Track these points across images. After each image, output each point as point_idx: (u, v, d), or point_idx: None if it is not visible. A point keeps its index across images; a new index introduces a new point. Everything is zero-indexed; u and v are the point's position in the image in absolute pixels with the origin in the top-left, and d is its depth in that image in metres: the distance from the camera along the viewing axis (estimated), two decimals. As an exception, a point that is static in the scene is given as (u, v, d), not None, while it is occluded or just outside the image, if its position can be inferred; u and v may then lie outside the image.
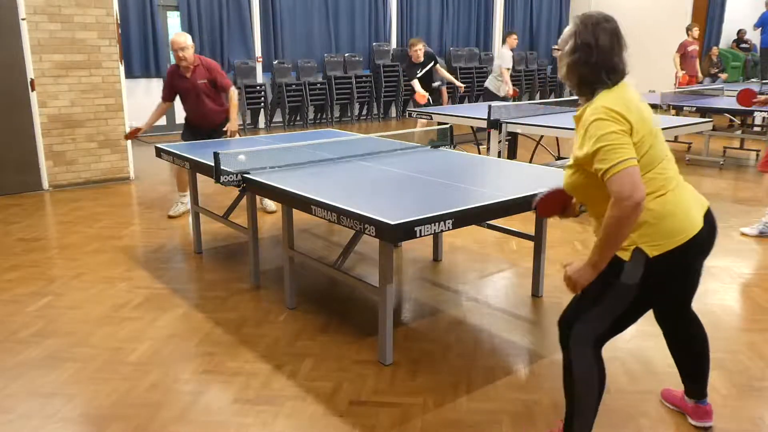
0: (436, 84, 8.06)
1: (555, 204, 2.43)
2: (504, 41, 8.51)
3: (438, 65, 7.88)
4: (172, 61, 5.26)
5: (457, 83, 8.52)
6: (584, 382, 2.15)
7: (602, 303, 2.07)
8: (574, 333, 2.14)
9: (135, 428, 2.48)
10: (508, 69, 8.29)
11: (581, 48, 2.01)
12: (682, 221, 2.02)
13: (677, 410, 2.57)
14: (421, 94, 7.61)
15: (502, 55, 8.31)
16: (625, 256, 2.00)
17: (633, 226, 1.91)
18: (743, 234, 4.91)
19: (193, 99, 5.17)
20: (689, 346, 2.45)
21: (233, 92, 5.28)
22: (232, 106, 5.24)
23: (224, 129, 5.22)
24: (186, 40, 5.05)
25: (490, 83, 8.52)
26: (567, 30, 2.07)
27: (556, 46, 2.16)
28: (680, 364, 2.49)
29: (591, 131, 1.96)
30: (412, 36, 12.85)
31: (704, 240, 2.08)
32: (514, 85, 14.40)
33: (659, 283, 2.05)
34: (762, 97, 5.70)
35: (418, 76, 7.66)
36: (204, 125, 5.24)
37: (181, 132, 5.41)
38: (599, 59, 2.01)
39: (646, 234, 1.98)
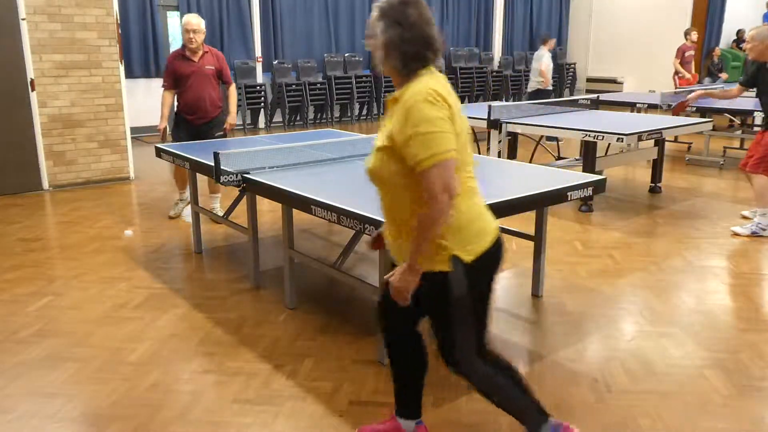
0: None
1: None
2: (544, 43, 9.09)
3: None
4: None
5: None
6: (496, 390, 2.13)
7: (455, 323, 2.01)
8: (457, 361, 2.10)
9: (135, 428, 2.48)
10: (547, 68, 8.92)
11: (393, 25, 1.87)
12: (485, 225, 1.98)
13: None
14: None
15: (540, 57, 8.97)
16: (444, 267, 1.91)
17: (444, 222, 1.82)
18: (734, 234, 4.90)
19: (196, 84, 5.03)
20: (417, 362, 2.32)
21: (234, 88, 5.31)
22: (233, 101, 5.24)
23: (224, 126, 5.20)
24: (200, 23, 5.02)
25: (531, 85, 9.20)
26: (372, 16, 1.92)
27: (364, 40, 2.06)
28: (410, 382, 2.34)
29: (414, 114, 1.79)
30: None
31: (502, 245, 2.04)
32: (513, 85, 14.45)
33: (481, 286, 2.01)
34: (691, 96, 5.56)
35: None
36: (199, 117, 5.10)
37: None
38: (415, 33, 1.87)
39: (459, 240, 1.90)
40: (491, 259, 1.99)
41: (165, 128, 5.18)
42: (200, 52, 5.09)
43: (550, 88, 9.22)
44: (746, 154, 5.07)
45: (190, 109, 5.11)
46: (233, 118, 5.22)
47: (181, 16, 10.16)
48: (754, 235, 4.84)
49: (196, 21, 5.01)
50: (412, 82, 1.88)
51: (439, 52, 1.94)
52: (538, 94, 9.00)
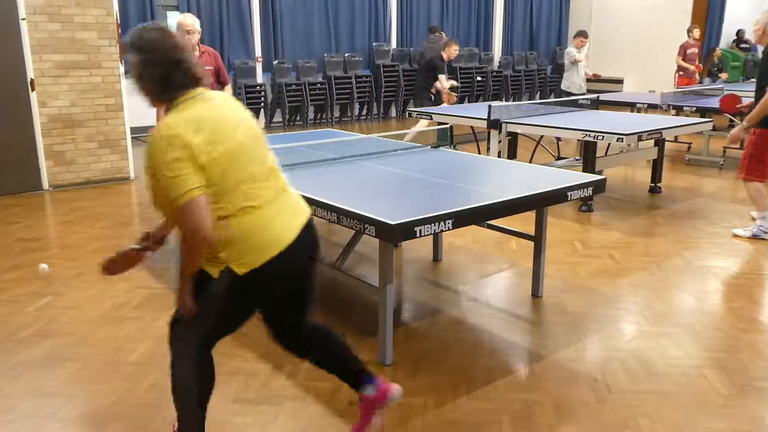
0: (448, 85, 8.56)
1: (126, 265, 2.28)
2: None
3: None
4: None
5: (445, 96, 8.66)
6: (181, 392, 2.13)
7: (197, 316, 2.02)
8: (174, 337, 2.10)
9: (135, 428, 2.48)
10: (572, 63, 8.64)
11: (135, 52, 1.91)
12: (269, 238, 1.96)
13: (375, 414, 2.38)
14: (450, 93, 8.29)
15: (568, 53, 8.72)
16: (214, 273, 1.96)
17: (203, 255, 1.89)
18: (735, 236, 4.90)
19: None
20: (326, 349, 2.35)
21: (229, 88, 5.31)
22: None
23: None
24: (195, 23, 4.94)
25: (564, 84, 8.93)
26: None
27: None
28: (335, 369, 2.38)
29: (150, 154, 1.84)
30: (412, 36, 12.89)
31: (297, 253, 2.03)
32: (513, 85, 14.44)
33: (247, 299, 2.02)
34: (746, 102, 5.67)
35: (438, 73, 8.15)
36: None
37: None
38: (159, 56, 1.90)
39: (234, 253, 1.93)
40: (271, 273, 1.98)
41: None
42: (196, 53, 5.07)
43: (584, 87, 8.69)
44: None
45: None
46: None
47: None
48: (755, 237, 4.84)
49: (190, 21, 4.94)
50: (171, 112, 1.91)
51: (191, 75, 1.94)
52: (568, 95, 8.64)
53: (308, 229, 2.10)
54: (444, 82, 8.17)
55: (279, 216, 2.01)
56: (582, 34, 8.71)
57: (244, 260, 1.94)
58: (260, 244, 1.95)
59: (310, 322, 2.32)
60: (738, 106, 5.89)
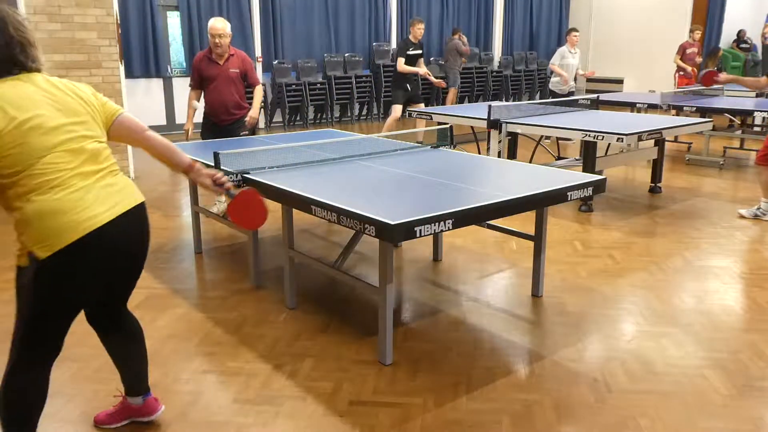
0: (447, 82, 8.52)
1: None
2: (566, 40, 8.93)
3: (421, 57, 8.26)
4: (174, 60, 5.26)
5: (433, 80, 8.65)
6: (7, 399, 2.09)
7: (18, 311, 2.03)
8: (10, 349, 2.06)
9: (135, 428, 2.48)
10: (554, 64, 8.73)
11: None
12: (70, 220, 1.91)
13: (127, 419, 2.49)
14: (421, 71, 8.20)
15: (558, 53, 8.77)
16: (22, 262, 1.95)
17: None
18: (740, 215, 5.28)
19: (220, 87, 5.08)
20: (129, 345, 2.44)
21: (260, 88, 5.34)
22: (257, 99, 5.28)
23: (245, 119, 5.20)
24: (225, 27, 4.99)
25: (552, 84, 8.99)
26: None
27: None
28: (123, 365, 2.45)
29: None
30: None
31: (108, 239, 1.99)
32: (513, 85, 14.43)
33: (54, 283, 1.96)
34: (722, 76, 6.00)
35: (409, 53, 8.09)
36: (224, 118, 5.16)
37: (178, 132, 5.37)
38: None
39: (32, 237, 1.90)
40: (73, 258, 1.93)
41: (189, 129, 5.23)
42: (226, 55, 5.09)
43: (565, 88, 8.75)
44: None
45: (214, 111, 5.16)
46: (255, 112, 5.23)
47: (182, 16, 10.18)
48: (755, 217, 5.22)
49: (221, 25, 4.97)
50: None
51: (20, 57, 1.96)
52: (553, 95, 8.74)
53: (129, 216, 2.06)
54: (401, 64, 8.09)
55: (87, 199, 1.96)
56: (574, 30, 8.87)
57: (46, 243, 1.89)
58: (59, 226, 1.89)
59: (128, 314, 2.43)
60: (715, 78, 6.13)
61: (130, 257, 2.17)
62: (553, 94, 8.77)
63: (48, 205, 1.90)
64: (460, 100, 12.96)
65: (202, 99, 5.25)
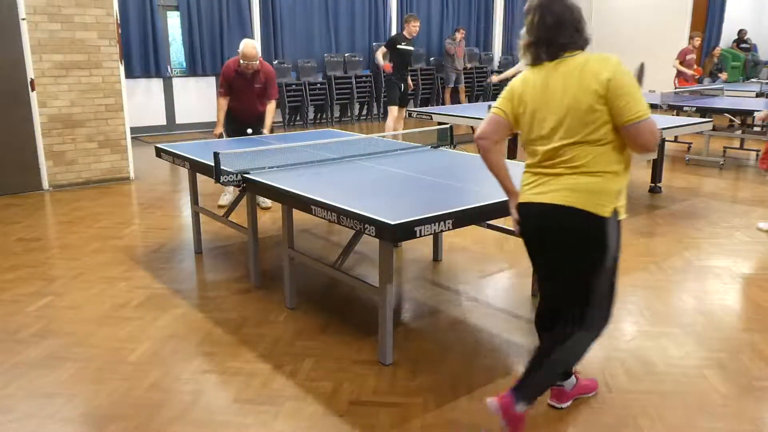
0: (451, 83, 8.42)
1: None
2: None
3: (411, 55, 8.25)
4: (174, 60, 5.32)
5: (410, 82, 8.60)
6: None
7: None
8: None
9: (135, 428, 2.48)
10: None
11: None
12: (521, 188, 2.34)
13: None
14: (386, 64, 8.19)
15: None
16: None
17: (484, 159, 2.35)
18: (759, 229, 5.03)
19: (246, 98, 5.40)
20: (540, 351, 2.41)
21: (274, 104, 5.56)
22: (269, 116, 5.49)
23: (260, 130, 5.44)
24: (257, 53, 5.29)
25: None
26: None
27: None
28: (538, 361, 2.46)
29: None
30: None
31: (524, 218, 2.32)
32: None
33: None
34: (760, 114, 5.79)
35: (399, 47, 8.02)
36: (247, 121, 5.47)
37: (178, 132, 5.49)
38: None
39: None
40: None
41: (220, 134, 5.47)
42: (253, 71, 5.34)
43: None
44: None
45: (240, 115, 5.49)
46: (266, 130, 5.50)
47: (182, 16, 10.17)
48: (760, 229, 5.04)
49: (254, 53, 5.25)
50: None
51: (534, 58, 2.28)
52: None
53: (539, 210, 2.28)
54: (379, 53, 8.13)
55: (527, 180, 2.33)
56: None
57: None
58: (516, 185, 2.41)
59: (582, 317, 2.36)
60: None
61: (537, 246, 2.38)
62: None
63: (522, 174, 2.38)
64: (462, 100, 12.96)
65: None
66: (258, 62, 5.29)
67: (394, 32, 12.66)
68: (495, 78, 10.09)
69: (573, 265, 2.24)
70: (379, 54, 8.20)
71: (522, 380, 2.28)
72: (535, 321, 2.53)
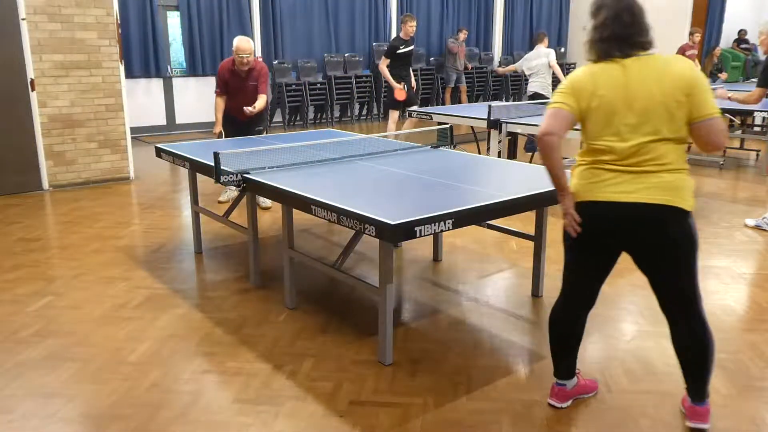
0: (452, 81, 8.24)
1: None
2: (540, 41, 8.35)
3: (411, 55, 8.15)
4: (174, 60, 5.34)
5: (394, 85, 8.16)
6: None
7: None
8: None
9: (135, 428, 2.48)
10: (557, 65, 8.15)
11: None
12: (582, 186, 2.30)
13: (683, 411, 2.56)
14: (399, 88, 7.88)
15: (549, 53, 8.13)
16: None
17: (543, 155, 2.25)
18: (746, 225, 5.14)
19: (242, 97, 5.43)
20: (688, 346, 2.40)
21: (263, 98, 5.50)
22: (259, 103, 5.39)
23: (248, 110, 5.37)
24: (251, 47, 5.34)
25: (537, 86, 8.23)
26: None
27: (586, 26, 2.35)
28: (680, 362, 2.46)
29: None
30: (412, 36, 12.88)
31: (597, 216, 2.27)
32: (513, 85, 14.41)
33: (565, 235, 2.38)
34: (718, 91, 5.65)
35: (400, 52, 7.85)
36: (243, 117, 5.48)
37: (178, 132, 5.52)
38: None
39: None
40: (580, 212, 2.32)
41: (220, 132, 5.53)
42: (248, 69, 5.39)
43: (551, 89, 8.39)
44: None
45: (235, 112, 5.51)
46: (253, 108, 5.33)
47: (182, 16, 10.18)
48: (757, 227, 5.08)
49: (248, 47, 5.31)
50: None
51: (599, 54, 2.27)
52: (538, 97, 8.16)
53: (628, 209, 2.24)
54: (383, 65, 7.79)
55: (602, 176, 2.29)
56: (545, 34, 8.57)
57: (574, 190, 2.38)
58: (578, 186, 2.37)
59: (699, 315, 2.35)
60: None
61: (638, 245, 2.32)
62: (538, 97, 8.08)
63: (583, 170, 2.35)
64: (463, 100, 12.96)
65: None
66: (252, 57, 5.33)
67: (394, 32, 12.67)
68: (500, 70, 10.10)
69: (675, 262, 2.26)
70: (384, 68, 7.90)
71: (703, 382, 2.41)
72: (554, 323, 2.57)
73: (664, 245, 2.24)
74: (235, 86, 5.43)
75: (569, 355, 2.56)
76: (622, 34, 2.18)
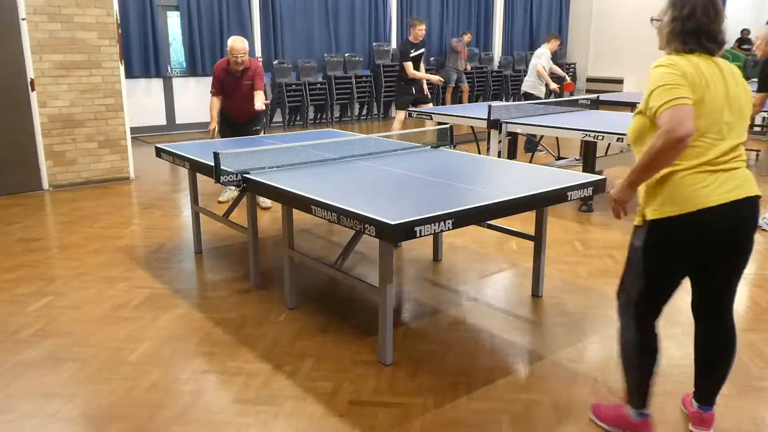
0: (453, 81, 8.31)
1: None
2: (545, 41, 8.62)
3: (422, 57, 8.14)
4: (174, 60, 5.35)
5: (433, 78, 8.42)
6: (625, 351, 2.29)
7: (628, 269, 2.24)
8: (619, 303, 2.31)
9: (135, 428, 2.48)
10: (544, 68, 8.38)
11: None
12: (690, 193, 2.03)
13: (685, 411, 2.55)
14: (432, 77, 8.09)
15: (542, 55, 8.39)
16: (637, 221, 2.15)
17: (669, 159, 1.96)
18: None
19: (238, 96, 5.46)
20: (716, 347, 2.34)
21: (261, 93, 5.52)
22: (257, 98, 5.42)
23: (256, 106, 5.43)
24: (245, 47, 5.34)
25: (529, 86, 8.51)
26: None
27: (654, 17, 2.22)
28: (696, 363, 2.42)
29: (650, 77, 2.05)
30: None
31: (712, 223, 2.05)
32: (513, 85, 14.41)
33: (661, 252, 2.12)
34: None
35: (412, 56, 7.87)
36: (240, 117, 5.55)
37: (178, 132, 5.52)
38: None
39: (650, 197, 2.10)
40: (674, 228, 2.07)
41: (215, 128, 5.53)
42: (243, 68, 5.41)
43: (543, 90, 8.52)
44: None
45: (233, 112, 5.58)
46: (260, 103, 5.39)
47: (182, 16, 10.18)
48: (758, 227, 5.05)
49: (242, 46, 5.32)
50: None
51: (694, 46, 2.12)
52: (528, 96, 8.38)
53: (736, 209, 2.09)
54: (410, 70, 7.80)
55: (706, 180, 2.07)
56: (557, 36, 8.74)
57: (659, 208, 2.08)
58: (674, 195, 2.06)
59: (729, 316, 2.31)
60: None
61: (722, 245, 2.14)
62: (529, 97, 8.35)
63: (675, 176, 2.06)
64: (463, 100, 12.96)
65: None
66: (246, 57, 5.34)
67: (394, 32, 12.68)
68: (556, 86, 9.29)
69: (746, 258, 2.20)
70: (413, 70, 7.86)
71: (717, 388, 2.37)
72: (649, 351, 2.30)
73: (749, 238, 2.16)
74: (230, 86, 5.44)
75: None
76: (708, 29, 2.09)
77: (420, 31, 7.88)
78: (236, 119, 5.57)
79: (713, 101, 2.04)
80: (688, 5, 2.11)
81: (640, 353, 2.26)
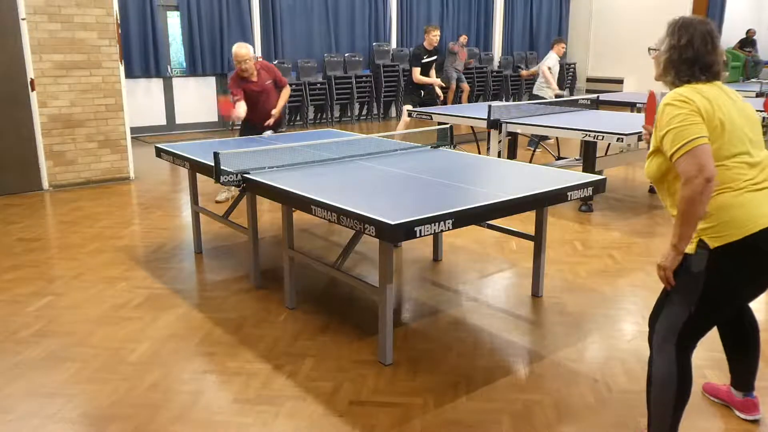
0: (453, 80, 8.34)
1: None
2: (552, 47, 8.89)
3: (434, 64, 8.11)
4: (174, 60, 5.36)
5: (437, 83, 8.20)
6: (660, 383, 2.16)
7: (675, 297, 2.11)
8: (656, 330, 2.18)
9: (135, 428, 2.48)
10: (550, 69, 8.62)
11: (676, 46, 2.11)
12: (746, 215, 1.97)
13: (722, 404, 2.59)
14: (435, 81, 7.99)
15: (547, 58, 8.71)
16: (690, 250, 2.03)
17: (704, 203, 1.92)
18: None
19: (262, 100, 5.47)
20: (741, 338, 2.44)
21: (288, 89, 5.60)
22: (283, 98, 5.52)
23: (272, 113, 5.45)
24: (248, 52, 5.33)
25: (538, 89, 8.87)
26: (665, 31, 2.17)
27: (652, 46, 2.20)
28: (730, 355, 2.50)
29: (661, 117, 2.02)
30: (412, 36, 12.88)
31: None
32: (513, 85, 14.41)
33: (725, 276, 2.02)
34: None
35: (424, 61, 7.85)
36: (262, 121, 5.49)
37: (178, 132, 5.50)
38: (689, 56, 2.09)
39: (707, 224, 1.99)
40: (742, 251, 1.99)
41: (239, 114, 5.42)
42: (255, 72, 5.42)
43: (549, 92, 8.71)
44: None
45: (255, 117, 5.50)
46: (276, 111, 5.48)
47: (182, 16, 10.17)
48: None
49: (244, 52, 5.32)
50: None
51: (703, 75, 2.11)
52: (536, 99, 8.55)
53: None
54: (416, 75, 7.76)
55: (758, 200, 2.04)
56: (562, 40, 8.96)
57: (719, 233, 1.99)
58: (734, 219, 1.98)
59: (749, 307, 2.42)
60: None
61: None
62: (534, 98, 8.65)
63: (728, 200, 2.00)
64: (463, 100, 12.96)
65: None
66: (251, 61, 5.34)
67: (394, 32, 12.68)
68: (525, 73, 10.63)
69: None
70: (420, 76, 7.82)
71: (756, 370, 2.44)
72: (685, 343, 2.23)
73: None
74: (252, 91, 5.41)
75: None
76: (705, 59, 2.09)
77: (434, 37, 7.89)
78: (257, 124, 5.46)
79: (732, 122, 2.04)
80: (686, 34, 2.11)
81: (678, 388, 2.13)
